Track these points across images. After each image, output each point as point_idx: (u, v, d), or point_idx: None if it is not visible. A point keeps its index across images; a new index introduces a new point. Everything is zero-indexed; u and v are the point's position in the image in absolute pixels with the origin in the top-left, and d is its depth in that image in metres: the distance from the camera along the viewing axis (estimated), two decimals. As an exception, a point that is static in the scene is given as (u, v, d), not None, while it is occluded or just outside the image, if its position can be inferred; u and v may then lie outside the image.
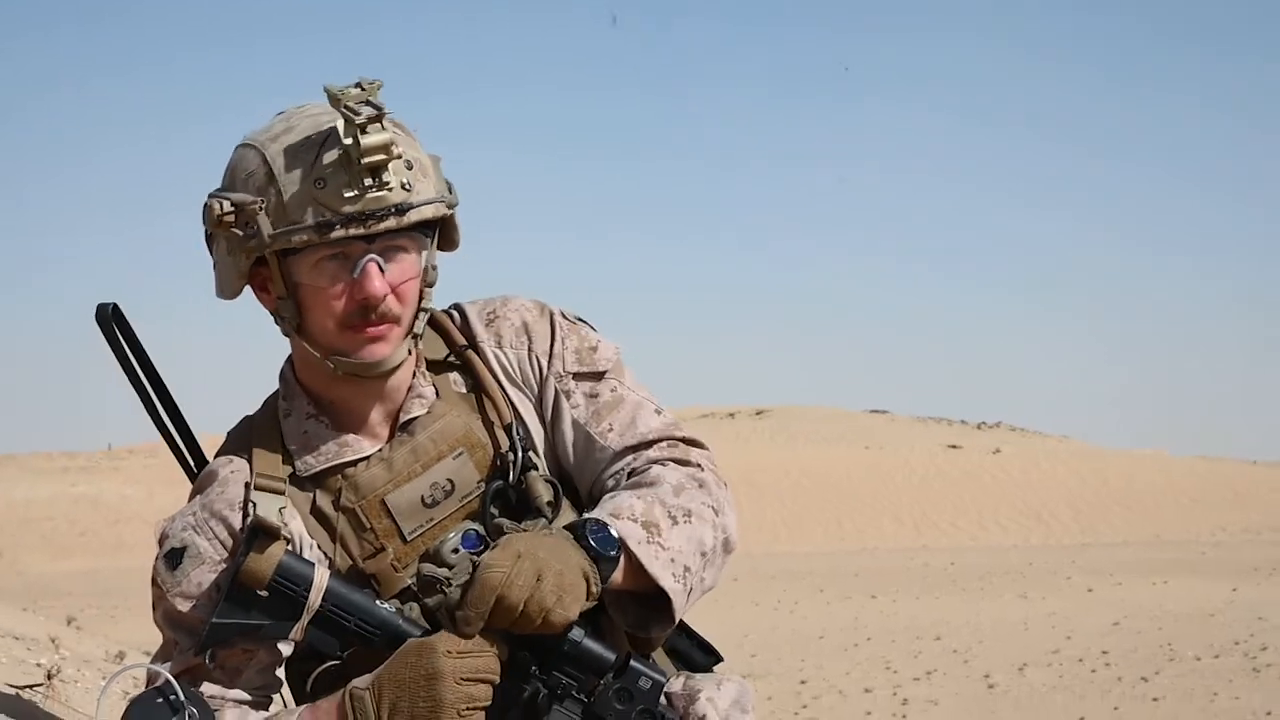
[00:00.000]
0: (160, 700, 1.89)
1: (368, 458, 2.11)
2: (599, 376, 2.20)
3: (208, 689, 1.99)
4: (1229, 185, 75.28)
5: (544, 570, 1.88)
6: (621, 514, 2.02)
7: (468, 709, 1.86)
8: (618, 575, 1.99)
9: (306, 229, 1.96)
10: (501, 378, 2.19)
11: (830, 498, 31.93)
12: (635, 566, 2.00)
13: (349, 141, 1.94)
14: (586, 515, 2.02)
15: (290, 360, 2.17)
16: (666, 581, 2.01)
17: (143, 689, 1.98)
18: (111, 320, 2.17)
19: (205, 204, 2.04)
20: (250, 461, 2.09)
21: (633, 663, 1.97)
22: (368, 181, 1.95)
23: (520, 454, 2.11)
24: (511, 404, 2.18)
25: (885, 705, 10.65)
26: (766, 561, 22.50)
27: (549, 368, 2.20)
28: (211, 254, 2.10)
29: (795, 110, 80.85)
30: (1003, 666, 11.88)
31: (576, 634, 1.94)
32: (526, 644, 1.93)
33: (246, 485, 2.06)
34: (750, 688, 2.15)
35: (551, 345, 2.21)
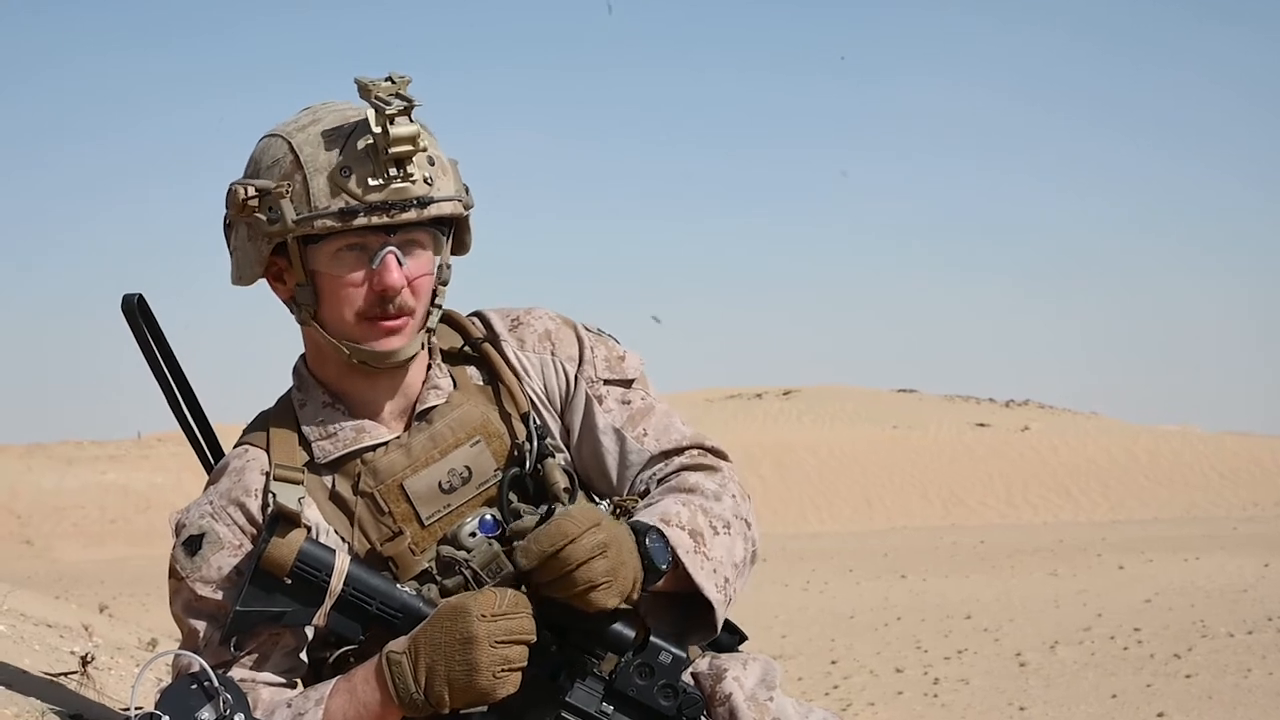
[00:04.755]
0: (194, 686, 1.91)
1: (386, 443, 2.13)
2: (629, 384, 2.25)
3: (237, 673, 2.01)
4: (1257, 159, 74.66)
5: (609, 548, 1.90)
6: (670, 520, 2.03)
7: (503, 670, 1.88)
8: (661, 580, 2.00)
9: (330, 215, 2.01)
10: (522, 376, 2.21)
11: (858, 477, 31.85)
12: (681, 575, 2.02)
13: (378, 130, 1.98)
14: (640, 518, 2.03)
15: (303, 356, 2.20)
16: (711, 592, 2.03)
17: (174, 676, 1.99)
18: (136, 311, 2.21)
19: (229, 190, 2.08)
20: (268, 451, 2.11)
21: (653, 639, 1.99)
22: (393, 172, 2.00)
23: (537, 442, 2.14)
24: (528, 396, 2.20)
25: (916, 684, 10.65)
26: (795, 542, 22.51)
27: (580, 373, 2.23)
28: (229, 242, 2.13)
29: (813, 93, 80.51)
30: (1034, 644, 11.86)
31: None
32: (548, 623, 1.95)
33: (265, 474, 2.08)
34: (776, 666, 2.16)
35: (581, 352, 2.24)
